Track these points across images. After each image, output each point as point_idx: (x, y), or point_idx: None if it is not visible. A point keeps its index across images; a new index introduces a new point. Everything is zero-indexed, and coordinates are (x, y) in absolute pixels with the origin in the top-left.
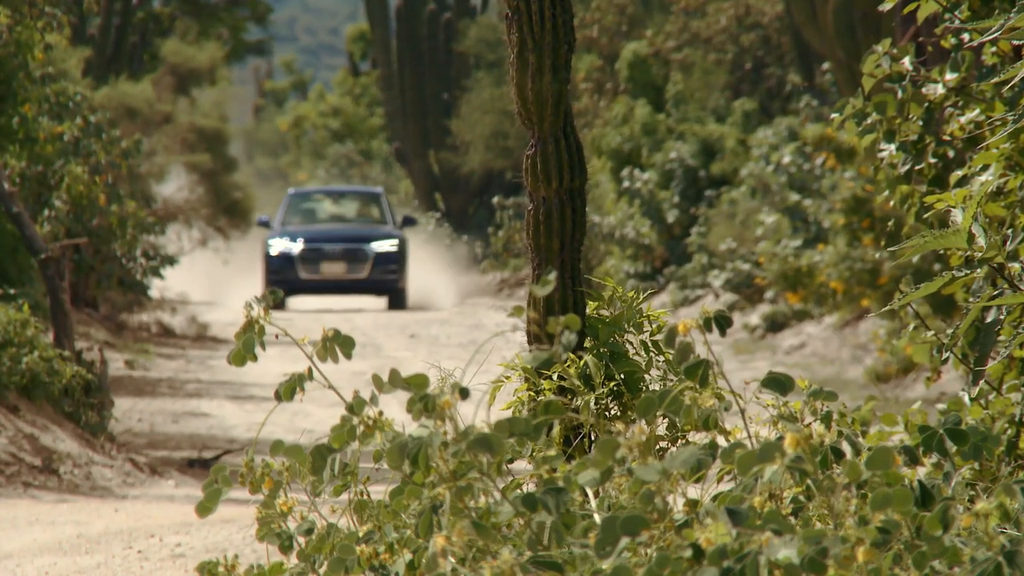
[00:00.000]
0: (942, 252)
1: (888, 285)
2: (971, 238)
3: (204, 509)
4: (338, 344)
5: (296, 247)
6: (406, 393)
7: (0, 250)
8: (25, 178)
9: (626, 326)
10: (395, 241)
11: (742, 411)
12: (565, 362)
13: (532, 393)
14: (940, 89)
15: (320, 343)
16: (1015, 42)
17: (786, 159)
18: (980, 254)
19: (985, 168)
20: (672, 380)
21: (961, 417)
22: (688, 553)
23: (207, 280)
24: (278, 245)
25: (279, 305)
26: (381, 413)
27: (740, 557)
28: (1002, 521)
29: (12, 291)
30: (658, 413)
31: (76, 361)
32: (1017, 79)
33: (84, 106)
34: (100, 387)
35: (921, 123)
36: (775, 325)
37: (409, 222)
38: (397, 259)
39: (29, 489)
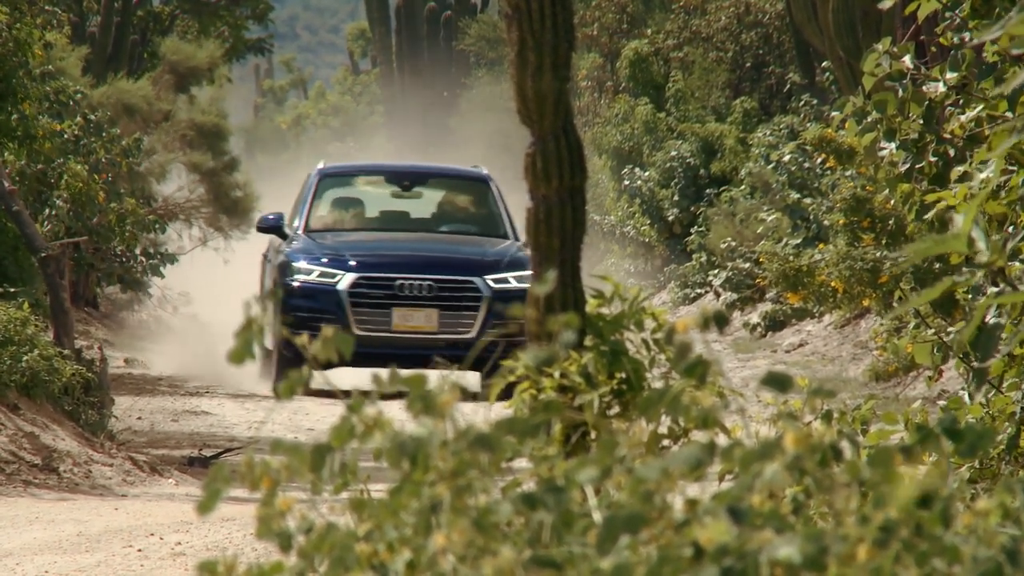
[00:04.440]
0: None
1: (889, 284)
2: (971, 242)
3: (204, 508)
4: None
5: (344, 277)
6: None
7: (0, 248)
8: (25, 176)
9: (627, 324)
10: (526, 272)
11: (742, 409)
12: (567, 360)
13: (533, 391)
14: (940, 87)
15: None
16: (1015, 51)
17: (786, 158)
18: (980, 258)
19: (985, 165)
20: (675, 378)
21: (959, 417)
22: (689, 552)
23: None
24: (306, 270)
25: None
26: (381, 412)
27: (741, 556)
28: (1003, 520)
29: (12, 289)
30: (659, 412)
31: (76, 359)
32: (1017, 82)
33: (84, 104)
34: (100, 385)
35: (921, 121)
36: (775, 324)
37: None
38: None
39: (29, 487)
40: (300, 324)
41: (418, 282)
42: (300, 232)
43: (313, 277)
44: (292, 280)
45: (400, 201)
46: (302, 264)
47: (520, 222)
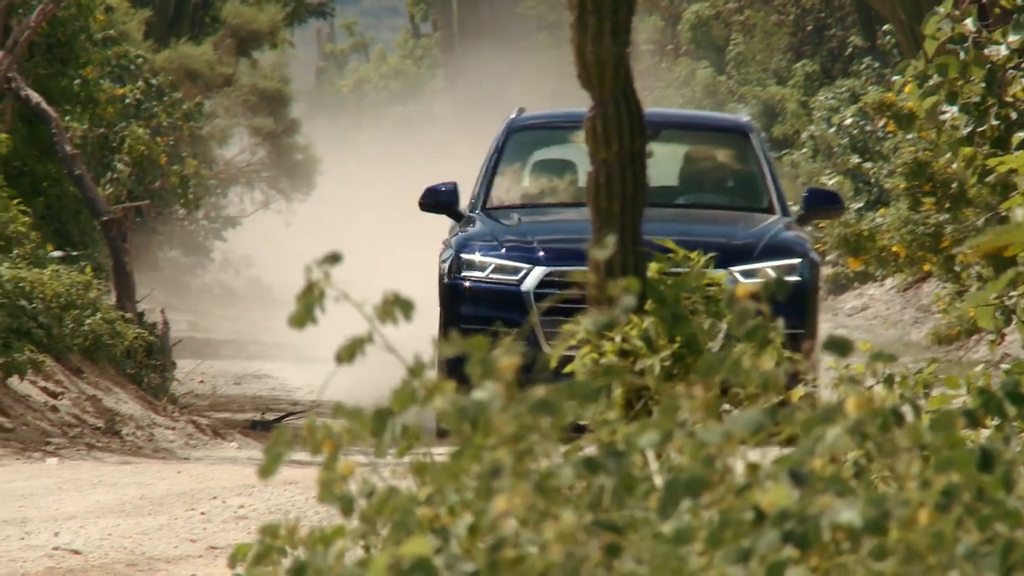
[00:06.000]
0: (1005, 214)
1: (950, 248)
2: None
3: (266, 471)
4: (399, 307)
5: (530, 272)
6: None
7: (63, 212)
8: (87, 141)
9: (690, 288)
10: (797, 260)
11: (804, 374)
12: (627, 324)
13: (595, 356)
14: (1003, 51)
15: (381, 306)
16: None
17: (847, 121)
18: None
19: None
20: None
21: (1021, 381)
22: (750, 516)
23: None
24: (479, 264)
25: None
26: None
27: (802, 519)
28: None
29: (75, 253)
30: (720, 376)
31: (138, 323)
32: None
33: (145, 68)
34: (162, 349)
35: (983, 85)
36: (837, 287)
37: (821, 202)
38: (803, 307)
39: (92, 451)
40: (471, 332)
41: None
42: (478, 210)
43: (488, 274)
44: (460, 278)
45: None
46: (475, 256)
47: None
